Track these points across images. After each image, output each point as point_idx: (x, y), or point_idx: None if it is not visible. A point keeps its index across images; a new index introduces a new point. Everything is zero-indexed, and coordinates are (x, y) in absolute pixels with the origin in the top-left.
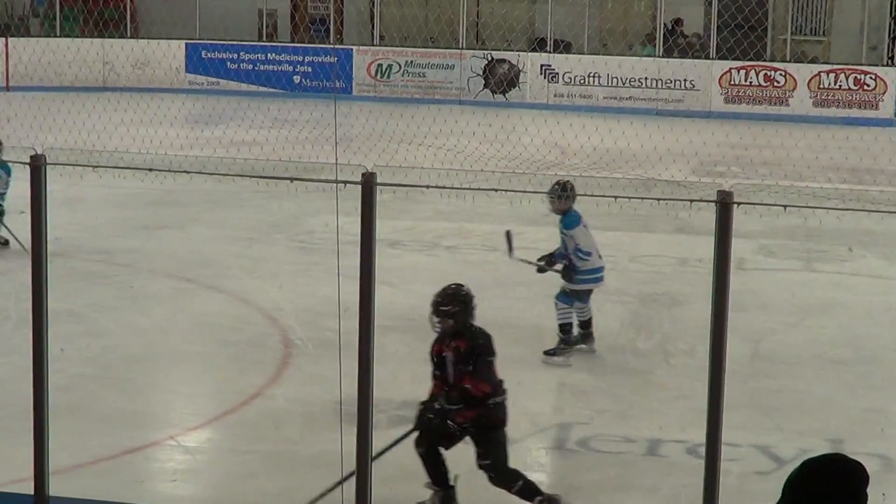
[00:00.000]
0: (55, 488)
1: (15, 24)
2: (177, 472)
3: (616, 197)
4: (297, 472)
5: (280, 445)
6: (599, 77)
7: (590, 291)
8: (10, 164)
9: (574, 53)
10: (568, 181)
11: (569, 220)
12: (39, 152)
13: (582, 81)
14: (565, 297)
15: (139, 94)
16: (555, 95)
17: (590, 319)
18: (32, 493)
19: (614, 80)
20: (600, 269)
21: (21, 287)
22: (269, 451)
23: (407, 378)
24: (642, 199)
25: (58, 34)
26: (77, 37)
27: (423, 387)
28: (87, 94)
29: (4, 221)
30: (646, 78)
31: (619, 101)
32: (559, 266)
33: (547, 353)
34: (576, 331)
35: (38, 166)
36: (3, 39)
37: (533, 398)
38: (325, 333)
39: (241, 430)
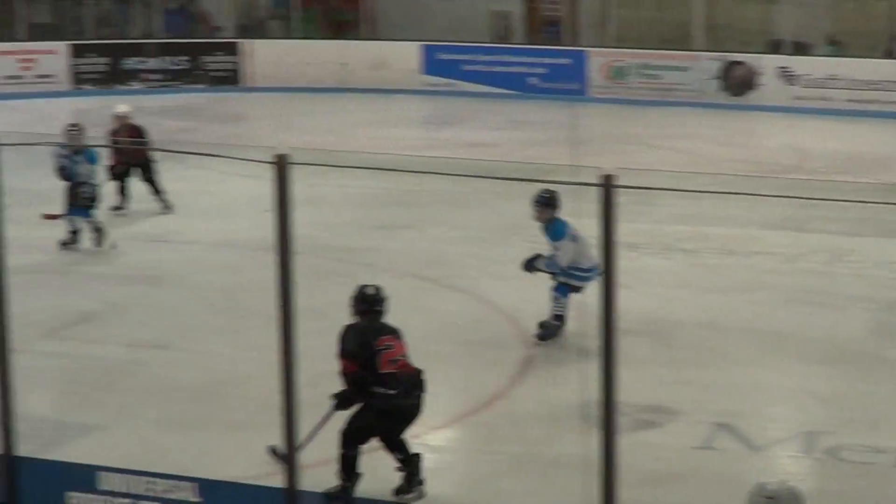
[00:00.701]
0: (304, 482)
1: (256, 25)
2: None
3: (863, 202)
4: (541, 474)
5: (524, 447)
6: (839, 80)
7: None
8: (95, 152)
9: (812, 55)
10: (554, 190)
11: (554, 229)
12: (283, 152)
13: (821, 84)
14: (563, 289)
15: (376, 96)
16: (793, 98)
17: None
18: (282, 486)
19: (854, 82)
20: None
21: (263, 284)
22: (513, 452)
23: (649, 381)
24: (888, 203)
25: (297, 36)
26: (316, 38)
27: (665, 390)
28: (326, 95)
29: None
30: (888, 81)
31: (861, 105)
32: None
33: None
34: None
35: (282, 165)
36: (245, 41)
37: (776, 404)
38: (566, 336)
39: (484, 430)
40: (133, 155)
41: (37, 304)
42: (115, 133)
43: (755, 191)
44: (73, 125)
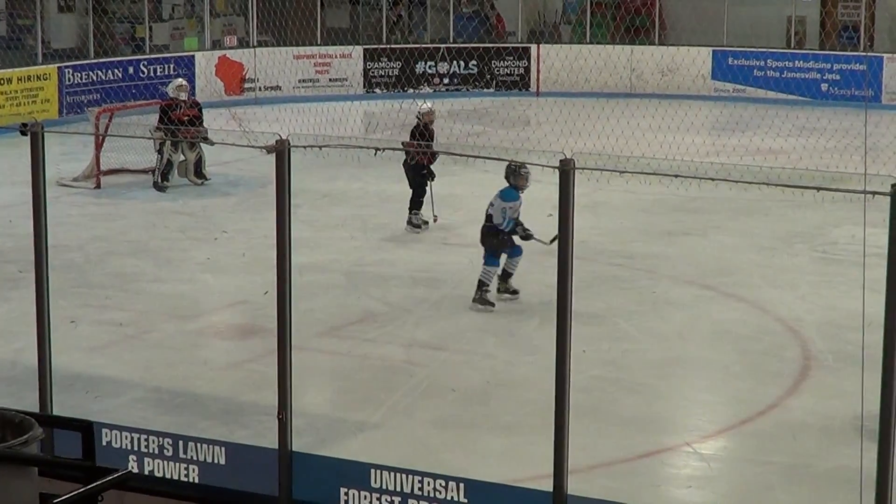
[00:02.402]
0: (572, 487)
1: (549, 31)
2: (692, 479)
3: None
4: (814, 487)
5: (797, 458)
6: None
7: None
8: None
9: None
10: None
11: None
12: (568, 157)
13: None
14: None
15: (665, 101)
16: None
17: None
18: (551, 490)
19: None
20: None
21: (542, 288)
22: (786, 463)
23: None
24: None
25: (587, 41)
26: (606, 43)
27: None
28: (615, 101)
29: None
30: None
31: None
32: None
33: None
34: None
35: (566, 171)
36: (536, 46)
37: None
38: (847, 347)
39: (757, 440)
40: (426, 157)
41: (320, 302)
42: (418, 129)
43: None
44: (523, 165)
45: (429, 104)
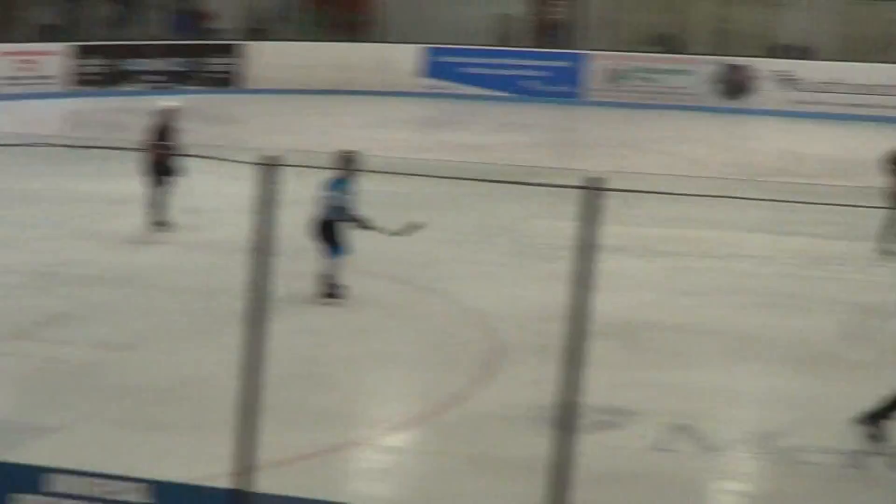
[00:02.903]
0: (259, 484)
1: (262, 27)
2: (378, 472)
3: (843, 206)
4: (499, 475)
5: (483, 448)
6: (841, 84)
7: None
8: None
9: (815, 60)
10: None
11: None
12: (272, 154)
13: (822, 88)
14: None
15: (377, 98)
16: (792, 102)
17: None
18: (233, 487)
19: (858, 87)
20: None
21: (237, 286)
22: (472, 453)
23: (612, 383)
24: (870, 207)
25: (300, 38)
26: (320, 41)
27: (626, 392)
28: (327, 97)
29: None
30: (886, 85)
31: (861, 109)
32: None
33: None
34: None
35: (268, 167)
36: (247, 43)
37: (736, 405)
38: (536, 338)
39: (444, 431)
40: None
41: (5, 304)
42: (158, 128)
43: (741, 195)
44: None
45: (173, 102)
